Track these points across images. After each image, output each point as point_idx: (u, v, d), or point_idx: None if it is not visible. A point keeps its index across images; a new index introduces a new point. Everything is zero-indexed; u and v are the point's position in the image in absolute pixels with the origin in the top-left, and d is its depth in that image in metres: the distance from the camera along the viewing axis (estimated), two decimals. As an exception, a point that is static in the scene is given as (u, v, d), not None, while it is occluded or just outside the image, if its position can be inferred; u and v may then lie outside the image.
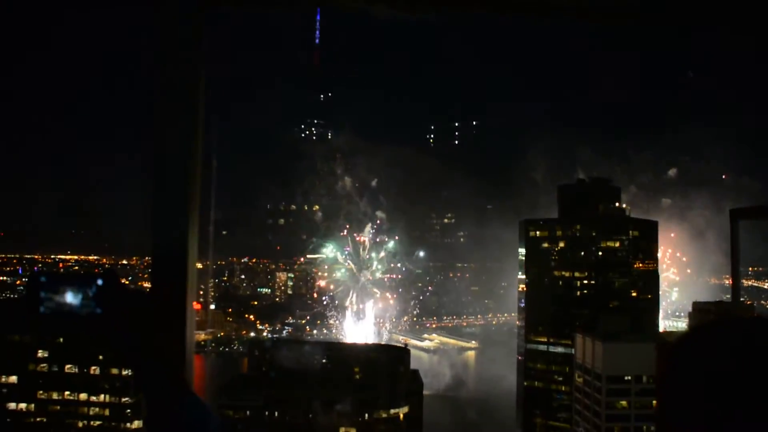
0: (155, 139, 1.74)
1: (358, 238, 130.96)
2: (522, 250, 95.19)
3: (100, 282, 1.52)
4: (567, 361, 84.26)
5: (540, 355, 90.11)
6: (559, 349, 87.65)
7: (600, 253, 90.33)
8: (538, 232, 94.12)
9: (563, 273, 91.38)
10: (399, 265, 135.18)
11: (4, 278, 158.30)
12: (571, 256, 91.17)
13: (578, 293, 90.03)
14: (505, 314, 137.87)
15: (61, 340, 75.81)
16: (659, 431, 1.39)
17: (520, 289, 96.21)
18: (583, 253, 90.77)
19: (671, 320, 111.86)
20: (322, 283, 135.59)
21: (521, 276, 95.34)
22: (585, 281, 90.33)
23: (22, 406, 75.63)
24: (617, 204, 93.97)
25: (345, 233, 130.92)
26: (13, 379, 76.05)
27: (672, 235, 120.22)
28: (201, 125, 1.76)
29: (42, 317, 1.52)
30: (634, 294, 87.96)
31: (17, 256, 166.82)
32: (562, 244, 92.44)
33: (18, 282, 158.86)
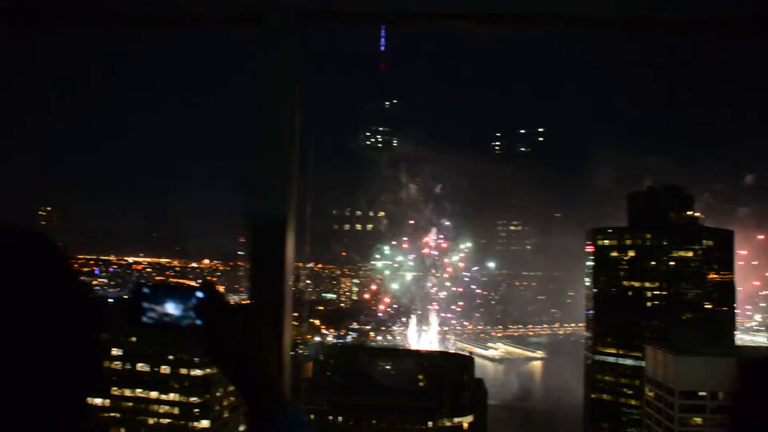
0: (257, 153, 1.91)
1: (423, 246, 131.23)
2: (590, 259, 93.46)
3: (200, 294, 1.58)
4: (637, 374, 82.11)
5: (608, 366, 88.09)
6: (629, 362, 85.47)
7: (672, 263, 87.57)
8: (606, 241, 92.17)
9: (633, 283, 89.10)
10: (464, 273, 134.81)
11: (83, 279, 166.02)
12: (641, 266, 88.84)
13: (649, 304, 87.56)
14: (572, 324, 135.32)
15: (134, 339, 79.10)
16: None
17: (587, 298, 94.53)
18: (653, 263, 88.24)
19: (750, 334, 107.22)
20: (386, 289, 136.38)
21: (589, 285, 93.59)
22: (656, 292, 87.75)
23: (98, 400, 79.20)
24: (690, 212, 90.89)
25: (410, 240, 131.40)
26: (89, 375, 79.75)
27: (749, 245, 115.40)
28: (297, 143, 1.94)
29: (144, 326, 1.58)
30: (708, 306, 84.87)
31: (94, 257, 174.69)
32: (631, 253, 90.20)
33: (94, 282, 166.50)
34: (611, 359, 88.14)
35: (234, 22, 2.09)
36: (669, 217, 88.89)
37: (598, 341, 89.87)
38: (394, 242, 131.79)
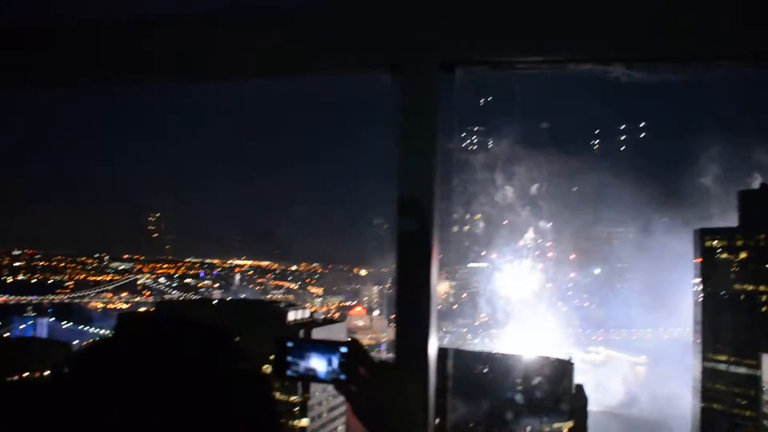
0: (399, 187, 2.13)
1: (520, 248, 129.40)
2: (697, 261, 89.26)
3: (344, 350, 1.63)
4: (751, 384, 77.69)
5: (719, 374, 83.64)
6: (742, 370, 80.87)
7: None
8: (715, 242, 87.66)
9: (745, 286, 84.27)
10: (563, 274, 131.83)
11: (189, 281, 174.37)
12: (754, 268, 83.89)
13: (764, 309, 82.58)
14: (678, 328, 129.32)
15: (237, 339, 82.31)
16: None
17: (694, 302, 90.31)
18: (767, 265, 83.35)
19: None
20: (483, 291, 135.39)
21: (696, 288, 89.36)
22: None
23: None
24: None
25: (506, 242, 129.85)
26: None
27: None
28: (438, 184, 2.18)
29: (289, 379, 1.66)
30: (830, 312, 79.29)
31: (200, 260, 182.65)
32: (743, 255, 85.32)
33: (200, 284, 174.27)
34: (722, 367, 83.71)
35: (369, 68, 2.32)
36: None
37: (708, 347, 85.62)
38: (490, 244, 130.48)
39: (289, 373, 1.68)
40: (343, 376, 1.60)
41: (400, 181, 2.19)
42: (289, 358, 1.67)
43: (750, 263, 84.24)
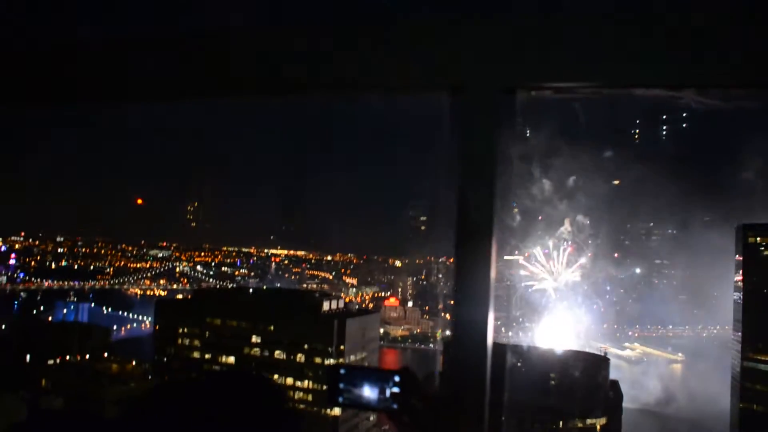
0: (458, 203, 2.18)
1: (556, 241, 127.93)
2: (739, 258, 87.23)
3: (397, 378, 1.62)
4: (793, 385, 76.08)
5: (759, 374, 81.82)
6: (784, 370, 79.25)
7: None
8: (758, 238, 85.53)
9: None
10: (600, 269, 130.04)
11: (226, 269, 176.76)
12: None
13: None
14: (717, 326, 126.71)
15: (272, 328, 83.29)
16: None
17: (735, 299, 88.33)
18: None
19: None
20: (518, 285, 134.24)
21: (737, 285, 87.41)
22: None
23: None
24: None
25: (542, 235, 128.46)
26: (231, 359, 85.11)
27: None
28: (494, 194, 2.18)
29: (341, 406, 1.68)
30: None
31: (236, 249, 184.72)
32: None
33: (236, 273, 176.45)
34: (763, 366, 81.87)
35: (431, 90, 2.35)
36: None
37: (749, 346, 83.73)
38: (526, 237, 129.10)
39: (340, 400, 1.71)
40: (395, 405, 1.62)
41: (460, 204, 2.23)
42: (341, 385, 1.68)
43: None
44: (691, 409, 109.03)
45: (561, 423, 71.00)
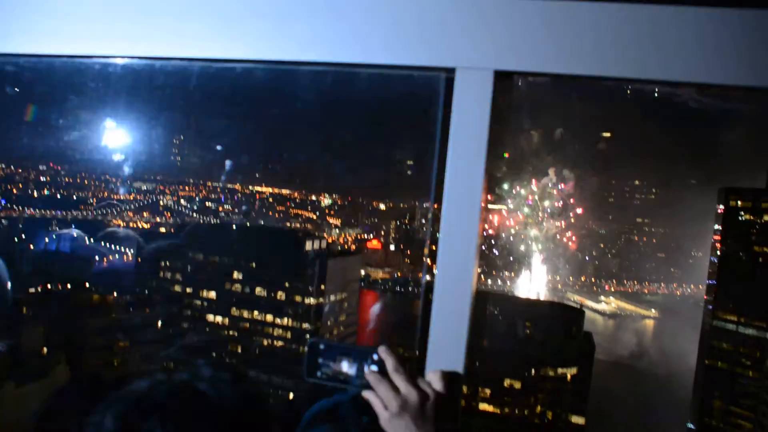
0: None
1: (540, 192, 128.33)
2: (718, 220, 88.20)
3: (376, 356, 1.67)
4: (759, 346, 78.17)
5: (727, 334, 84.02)
6: (750, 331, 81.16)
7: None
8: (739, 202, 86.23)
9: (764, 249, 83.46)
10: (582, 223, 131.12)
11: (210, 204, 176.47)
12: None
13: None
14: (692, 286, 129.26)
15: (253, 265, 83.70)
16: None
17: (711, 260, 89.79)
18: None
19: None
20: (499, 233, 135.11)
21: (714, 247, 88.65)
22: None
23: (218, 319, 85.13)
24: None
25: (527, 185, 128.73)
26: (212, 294, 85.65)
27: None
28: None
29: (318, 381, 1.70)
30: None
31: (221, 185, 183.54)
32: (767, 218, 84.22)
33: (220, 208, 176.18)
34: (731, 327, 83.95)
35: (424, 70, 2.34)
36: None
37: (719, 307, 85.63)
38: (512, 185, 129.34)
39: (319, 374, 1.72)
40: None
41: (448, 187, 2.24)
42: (320, 360, 1.71)
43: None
44: (662, 364, 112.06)
45: (533, 371, 72.57)
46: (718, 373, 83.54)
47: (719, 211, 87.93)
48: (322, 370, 1.71)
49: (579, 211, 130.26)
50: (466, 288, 2.19)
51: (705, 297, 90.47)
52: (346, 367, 1.69)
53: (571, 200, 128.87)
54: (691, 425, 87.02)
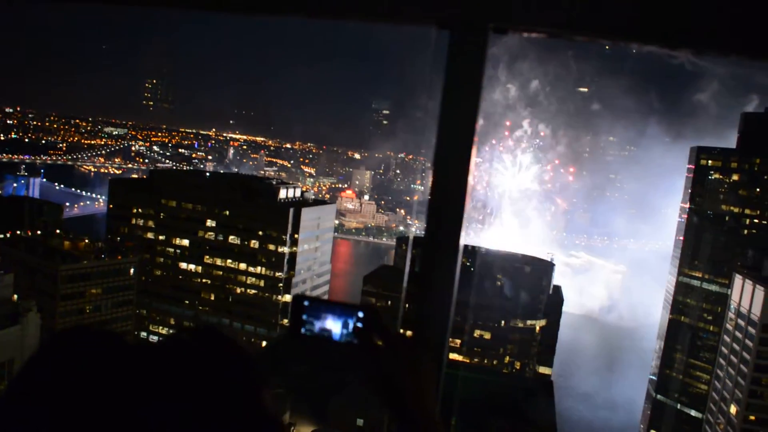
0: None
1: (516, 147, 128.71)
2: (689, 178, 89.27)
3: (360, 314, 1.63)
4: (720, 301, 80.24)
5: (691, 289, 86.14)
6: (714, 287, 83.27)
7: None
8: (710, 161, 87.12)
9: (731, 208, 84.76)
10: (554, 177, 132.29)
11: (183, 151, 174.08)
12: (744, 192, 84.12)
13: (745, 232, 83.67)
14: (660, 242, 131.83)
15: (227, 213, 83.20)
16: None
17: (680, 217, 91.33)
18: (757, 190, 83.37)
19: None
20: (476, 186, 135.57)
21: (684, 205, 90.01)
22: (755, 220, 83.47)
23: (191, 267, 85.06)
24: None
25: (504, 141, 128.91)
26: (185, 242, 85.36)
27: None
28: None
29: (303, 337, 1.68)
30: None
31: (194, 131, 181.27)
32: (735, 177, 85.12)
33: (193, 155, 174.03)
34: (696, 282, 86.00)
35: (420, 22, 2.27)
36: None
37: (685, 263, 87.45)
38: (487, 138, 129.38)
39: (303, 331, 1.72)
40: (355, 341, 1.63)
41: (439, 141, 2.19)
42: (305, 317, 1.70)
43: (741, 186, 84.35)
44: (630, 317, 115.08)
45: (503, 322, 73.91)
46: (680, 327, 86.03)
47: (689, 169, 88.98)
48: (306, 326, 1.69)
49: (552, 165, 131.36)
50: (455, 242, 2.19)
51: (672, 253, 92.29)
52: (331, 323, 1.65)
53: (545, 154, 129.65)
54: (652, 377, 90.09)
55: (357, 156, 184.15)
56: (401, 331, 1.62)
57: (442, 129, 2.17)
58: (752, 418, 69.38)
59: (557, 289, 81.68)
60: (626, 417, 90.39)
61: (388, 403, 1.54)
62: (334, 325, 1.65)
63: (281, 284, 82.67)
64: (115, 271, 67.74)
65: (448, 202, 2.19)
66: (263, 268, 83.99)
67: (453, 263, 2.16)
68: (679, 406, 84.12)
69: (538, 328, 75.49)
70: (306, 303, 1.69)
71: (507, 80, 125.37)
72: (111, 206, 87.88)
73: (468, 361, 73.60)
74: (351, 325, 1.64)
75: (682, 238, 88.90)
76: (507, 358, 75.10)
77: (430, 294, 2.18)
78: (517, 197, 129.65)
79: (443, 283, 2.17)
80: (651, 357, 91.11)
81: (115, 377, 0.93)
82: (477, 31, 2.11)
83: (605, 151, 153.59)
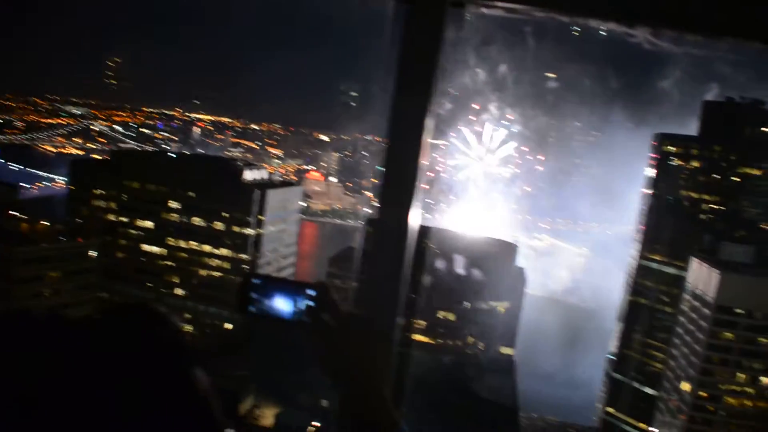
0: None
1: (481, 129, 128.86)
2: (651, 164, 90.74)
3: (311, 292, 1.59)
4: (677, 284, 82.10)
5: (650, 272, 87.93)
6: (672, 270, 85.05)
7: (736, 179, 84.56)
8: (671, 148, 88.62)
9: (691, 194, 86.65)
10: (520, 161, 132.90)
11: (147, 131, 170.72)
12: (704, 178, 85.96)
13: (703, 217, 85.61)
14: (622, 225, 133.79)
15: (191, 194, 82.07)
16: None
17: (641, 203, 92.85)
18: (717, 176, 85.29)
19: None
20: (437, 167, 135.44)
21: (645, 190, 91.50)
22: (713, 206, 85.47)
23: (155, 249, 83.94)
24: (766, 129, 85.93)
25: (469, 122, 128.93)
26: (149, 224, 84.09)
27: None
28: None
29: (251, 316, 1.63)
30: (765, 227, 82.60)
31: (158, 111, 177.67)
32: (695, 164, 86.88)
33: (157, 135, 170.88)
34: (655, 266, 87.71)
35: None
36: (743, 132, 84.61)
37: (645, 246, 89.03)
38: (454, 121, 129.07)
39: (251, 309, 1.66)
40: (306, 320, 1.60)
41: (392, 119, 2.19)
42: (254, 295, 1.65)
43: (700, 173, 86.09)
44: (592, 299, 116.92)
45: (467, 304, 74.50)
46: (639, 308, 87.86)
47: (652, 155, 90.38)
48: (255, 305, 1.65)
49: (517, 149, 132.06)
50: (406, 222, 2.20)
51: (634, 237, 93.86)
52: (281, 302, 1.62)
53: (510, 138, 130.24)
54: (610, 356, 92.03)
55: (324, 138, 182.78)
56: (354, 310, 1.62)
57: (396, 106, 2.15)
58: (703, 394, 71.68)
59: (521, 271, 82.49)
60: (585, 395, 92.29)
61: (337, 382, 1.52)
62: (284, 304, 1.61)
63: (247, 266, 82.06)
64: (75, 254, 66.50)
65: (400, 181, 2.17)
66: (228, 250, 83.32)
67: (403, 243, 2.16)
68: (635, 384, 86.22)
69: (501, 309, 76.19)
70: (255, 281, 1.64)
71: (475, 64, 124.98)
72: (71, 187, 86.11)
73: (432, 342, 74.18)
74: (301, 304, 1.60)
75: (643, 222, 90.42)
76: (471, 339, 75.79)
77: (380, 274, 2.18)
78: (483, 181, 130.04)
79: (393, 263, 2.17)
80: (611, 338, 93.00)
81: (25, 358, 0.90)
82: (434, 5, 2.09)
83: (571, 136, 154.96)
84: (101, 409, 0.88)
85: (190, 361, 1.02)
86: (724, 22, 2.01)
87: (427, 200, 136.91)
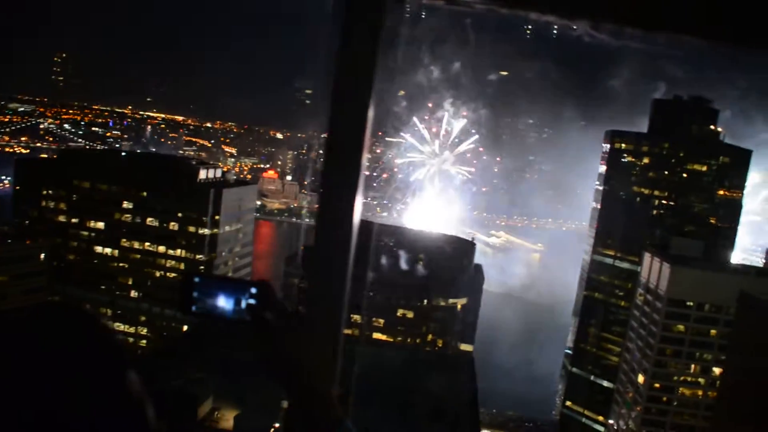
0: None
1: (436, 129, 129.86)
2: (603, 161, 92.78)
3: (253, 290, 1.58)
4: (631, 278, 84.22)
5: (605, 267, 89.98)
6: (625, 265, 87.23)
7: (684, 175, 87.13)
8: (623, 145, 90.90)
9: (642, 190, 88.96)
10: (477, 159, 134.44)
11: (97, 129, 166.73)
12: (653, 174, 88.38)
13: (654, 212, 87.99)
14: (576, 222, 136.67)
15: (144, 194, 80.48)
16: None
17: (594, 199, 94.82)
18: (666, 173, 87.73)
19: (747, 254, 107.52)
20: (394, 166, 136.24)
21: (598, 186, 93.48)
22: (663, 201, 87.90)
23: (107, 250, 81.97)
24: (712, 127, 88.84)
25: (425, 122, 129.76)
26: (101, 225, 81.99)
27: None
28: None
29: (193, 315, 1.62)
30: (712, 221, 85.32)
31: (109, 109, 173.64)
32: (646, 160, 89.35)
33: (108, 134, 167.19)
34: (609, 261, 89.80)
35: None
36: (690, 129, 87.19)
37: (599, 242, 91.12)
38: (408, 120, 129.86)
39: (193, 309, 1.64)
40: (248, 318, 1.56)
41: (332, 113, 2.14)
42: (195, 294, 1.63)
43: (651, 169, 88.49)
44: (548, 294, 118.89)
45: (425, 301, 74.78)
46: (594, 303, 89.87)
47: (604, 152, 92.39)
48: (197, 304, 1.63)
49: (472, 146, 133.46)
50: (350, 219, 2.13)
51: (588, 233, 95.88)
52: (223, 301, 1.60)
53: (465, 136, 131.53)
54: (567, 350, 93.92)
55: (279, 136, 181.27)
56: (297, 308, 1.66)
57: (336, 99, 2.10)
58: (657, 385, 73.66)
59: (478, 268, 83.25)
60: (544, 390, 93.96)
61: (281, 381, 1.53)
62: (225, 303, 1.62)
63: (202, 267, 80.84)
64: (23, 256, 64.45)
65: (342, 177, 2.12)
66: (183, 251, 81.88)
67: (347, 240, 2.12)
68: (592, 377, 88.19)
69: (459, 306, 76.68)
70: (197, 280, 1.65)
71: (430, 63, 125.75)
72: (17, 187, 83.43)
73: (391, 339, 74.24)
74: (243, 302, 1.60)
75: (596, 218, 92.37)
76: (429, 336, 76.09)
77: (323, 271, 2.13)
78: (439, 178, 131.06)
79: (338, 259, 2.12)
80: (568, 332, 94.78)
81: None
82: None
83: (525, 134, 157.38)
84: (21, 411, 0.84)
85: (119, 362, 0.97)
86: (659, 14, 2.00)
87: (384, 200, 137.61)
